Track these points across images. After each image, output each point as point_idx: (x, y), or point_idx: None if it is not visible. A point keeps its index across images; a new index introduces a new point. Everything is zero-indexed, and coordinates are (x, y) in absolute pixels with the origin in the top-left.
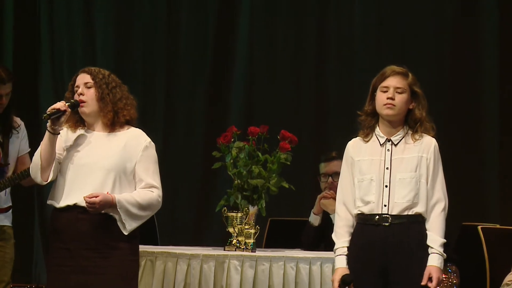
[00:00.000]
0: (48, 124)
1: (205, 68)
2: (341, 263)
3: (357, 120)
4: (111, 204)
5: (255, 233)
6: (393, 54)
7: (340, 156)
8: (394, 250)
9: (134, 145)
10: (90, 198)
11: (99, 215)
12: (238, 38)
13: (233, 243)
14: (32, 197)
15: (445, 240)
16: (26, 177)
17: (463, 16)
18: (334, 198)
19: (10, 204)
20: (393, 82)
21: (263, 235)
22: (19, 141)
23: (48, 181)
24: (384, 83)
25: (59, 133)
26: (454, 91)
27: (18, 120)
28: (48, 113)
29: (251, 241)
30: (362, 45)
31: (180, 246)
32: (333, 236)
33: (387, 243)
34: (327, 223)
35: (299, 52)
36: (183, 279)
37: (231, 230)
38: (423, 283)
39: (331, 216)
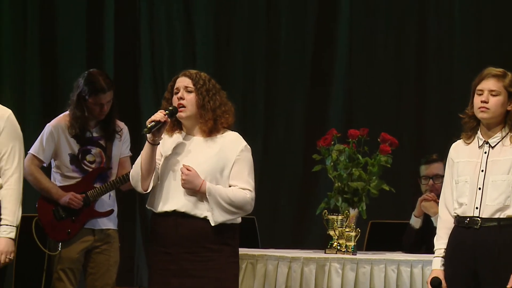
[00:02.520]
0: (149, 135)
1: (304, 71)
2: (436, 265)
3: (457, 122)
4: (198, 187)
5: (356, 235)
6: (494, 53)
7: (440, 159)
8: (483, 253)
9: (231, 148)
10: (184, 167)
11: (198, 220)
12: (338, 41)
13: (334, 246)
14: (134, 201)
15: None
16: (127, 181)
17: None
18: (435, 201)
19: (114, 208)
20: (487, 84)
21: (364, 237)
22: (121, 145)
23: (148, 190)
24: (480, 86)
25: (158, 143)
26: None
27: (121, 124)
28: (148, 126)
29: (352, 243)
30: (463, 45)
31: (281, 249)
32: (435, 238)
33: (476, 246)
34: (428, 226)
35: (399, 54)
36: (284, 282)
37: (331, 233)
38: (508, 286)
39: (432, 218)
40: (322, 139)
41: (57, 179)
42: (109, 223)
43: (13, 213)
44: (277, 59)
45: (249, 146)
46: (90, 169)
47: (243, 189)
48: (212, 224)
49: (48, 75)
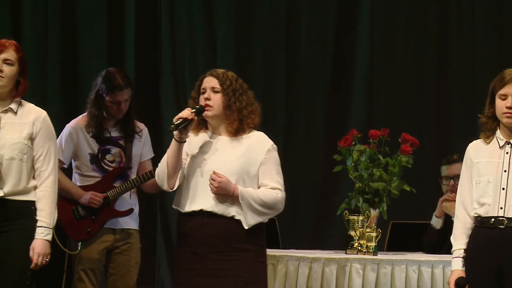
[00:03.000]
0: (175, 133)
1: (325, 72)
2: (457, 265)
3: (478, 122)
4: (231, 193)
5: (377, 236)
6: None
7: (461, 159)
8: (509, 253)
9: (257, 148)
10: (215, 175)
11: (225, 219)
12: (358, 42)
13: (354, 246)
14: (155, 200)
15: None
16: (147, 180)
17: None
18: None
19: (135, 207)
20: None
21: (385, 238)
22: (141, 146)
23: (174, 188)
24: (503, 91)
25: (185, 141)
26: None
27: (140, 125)
28: (175, 123)
29: (373, 244)
30: (484, 45)
31: (302, 250)
32: (451, 238)
33: (502, 246)
34: (449, 226)
35: (420, 54)
36: (305, 282)
37: (352, 233)
38: None
39: (453, 219)
40: (343, 139)
41: (77, 179)
42: (130, 223)
43: (49, 215)
44: (297, 59)
45: (275, 145)
46: (110, 169)
47: (273, 188)
48: (246, 228)
49: (69, 79)
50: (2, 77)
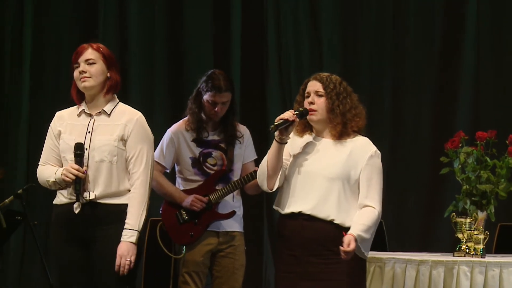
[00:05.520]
0: (276, 133)
1: (431, 73)
2: None
3: None
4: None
5: (485, 238)
6: None
7: None
8: None
9: (360, 153)
10: (346, 248)
11: (324, 222)
12: (465, 42)
13: (462, 249)
14: (261, 202)
15: None
16: (249, 182)
17: None
18: None
19: (239, 209)
20: None
21: (493, 240)
22: (243, 149)
23: (274, 189)
24: None
25: (286, 143)
26: None
27: (242, 129)
28: (275, 123)
29: (481, 246)
30: None
31: (409, 252)
32: None
33: None
34: None
35: None
36: (412, 285)
37: (460, 235)
38: None
39: None
40: (449, 141)
41: (180, 184)
42: (234, 225)
43: (136, 217)
44: (403, 61)
45: (379, 152)
46: (212, 172)
47: (373, 207)
48: (367, 256)
49: (175, 83)
50: (89, 77)
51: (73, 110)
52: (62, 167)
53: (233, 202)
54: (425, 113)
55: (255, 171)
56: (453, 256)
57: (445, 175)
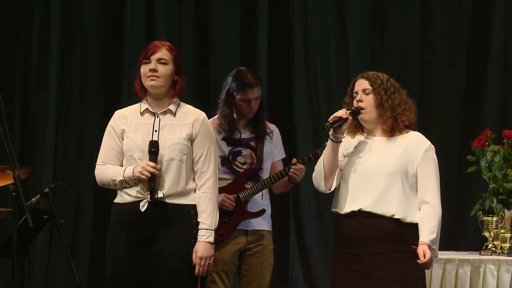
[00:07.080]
0: (330, 132)
1: (459, 71)
2: None
3: None
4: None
5: (511, 237)
6: None
7: None
8: None
9: (415, 148)
10: (423, 259)
11: (384, 219)
12: (492, 40)
13: (488, 247)
14: (288, 203)
15: None
16: (278, 180)
17: None
18: None
19: (268, 208)
20: None
21: None
22: (272, 147)
23: (332, 189)
24: None
25: (341, 141)
26: None
27: (271, 126)
28: (330, 121)
29: (507, 245)
30: None
31: None
32: None
33: None
34: None
35: None
36: (439, 283)
37: (486, 234)
38: None
39: None
40: (476, 140)
41: None
42: (262, 224)
43: (210, 217)
44: (431, 59)
45: (433, 146)
46: (241, 170)
47: (432, 203)
48: (437, 256)
49: (202, 84)
50: (158, 77)
51: (135, 109)
52: (121, 166)
53: (262, 200)
54: (452, 112)
55: (284, 170)
56: (480, 254)
57: (471, 174)
